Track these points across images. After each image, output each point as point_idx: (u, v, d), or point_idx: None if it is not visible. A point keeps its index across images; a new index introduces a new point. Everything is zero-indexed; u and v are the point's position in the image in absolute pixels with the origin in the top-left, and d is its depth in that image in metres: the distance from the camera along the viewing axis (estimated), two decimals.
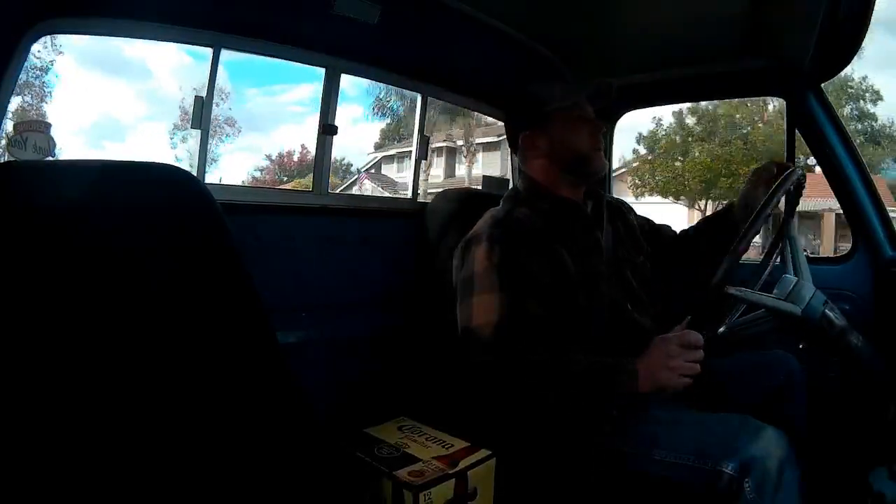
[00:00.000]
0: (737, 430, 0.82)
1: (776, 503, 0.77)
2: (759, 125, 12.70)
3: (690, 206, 12.96)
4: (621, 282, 1.04)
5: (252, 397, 0.70)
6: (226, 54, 1.13)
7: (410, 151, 1.59)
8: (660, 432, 0.87)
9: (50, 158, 0.93)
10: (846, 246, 1.41)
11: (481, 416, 0.96)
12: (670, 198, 12.94)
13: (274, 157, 17.50)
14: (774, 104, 11.53)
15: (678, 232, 1.30)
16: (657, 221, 1.30)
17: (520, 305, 0.92)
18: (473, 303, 0.94)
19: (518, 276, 0.93)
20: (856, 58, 1.20)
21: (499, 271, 0.93)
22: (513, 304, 0.91)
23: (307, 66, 1.30)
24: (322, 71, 1.28)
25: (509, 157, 1.70)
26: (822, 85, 1.32)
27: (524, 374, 0.88)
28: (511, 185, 1.46)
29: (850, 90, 13.57)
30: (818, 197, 8.43)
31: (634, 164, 13.43)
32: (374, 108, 13.79)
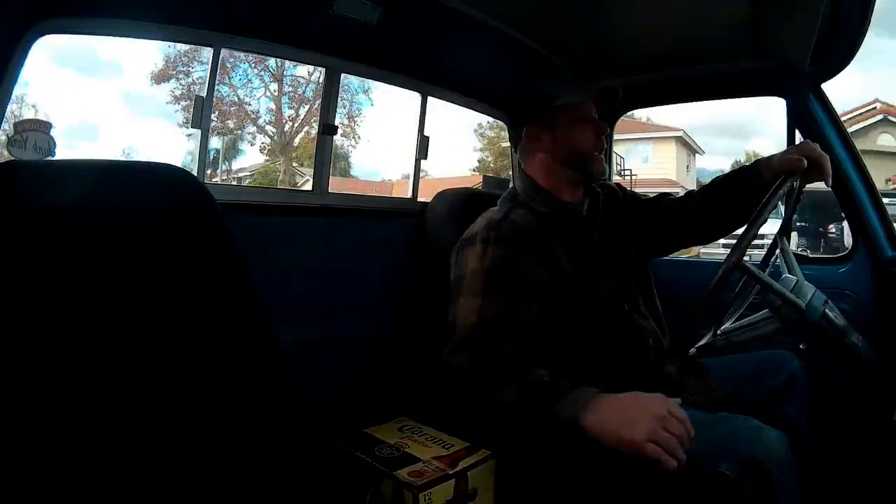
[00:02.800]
0: (737, 430, 0.82)
1: None
2: None
3: None
4: (619, 283, 1.04)
5: (252, 397, 0.70)
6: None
7: None
8: None
9: (50, 158, 0.93)
10: None
11: (481, 416, 0.96)
12: None
13: None
14: None
15: (681, 196, 1.19)
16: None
17: (507, 309, 0.91)
18: (459, 302, 0.94)
19: (508, 280, 0.93)
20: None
21: (488, 274, 0.93)
22: (497, 308, 0.91)
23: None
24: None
25: None
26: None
27: (488, 370, 0.86)
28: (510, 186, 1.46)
29: None
30: None
31: None
32: None
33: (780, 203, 0.94)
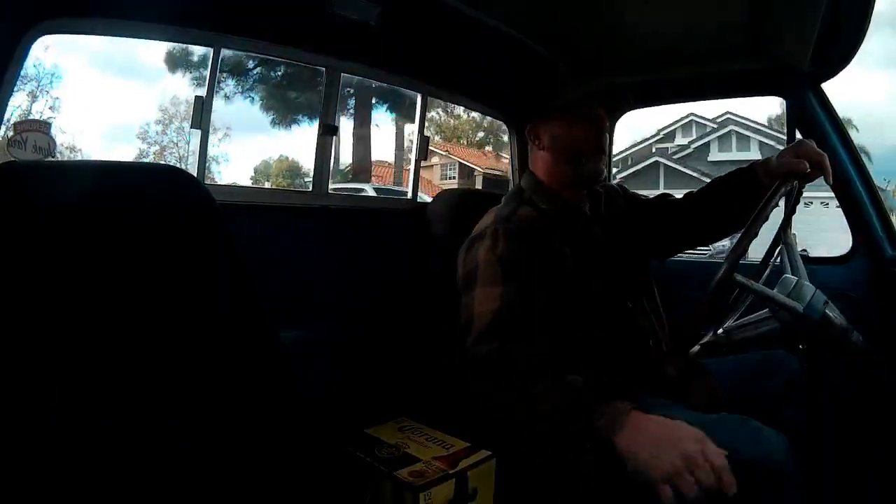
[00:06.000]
0: (737, 431, 0.81)
1: None
2: None
3: None
4: (621, 282, 1.04)
5: (252, 397, 0.70)
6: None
7: None
8: None
9: (50, 158, 0.93)
10: None
11: (482, 416, 0.96)
12: None
13: None
14: None
15: (680, 196, 1.21)
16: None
17: (522, 298, 0.92)
18: (476, 295, 0.94)
19: (521, 270, 0.94)
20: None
21: (502, 264, 0.94)
22: (514, 296, 0.91)
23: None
24: None
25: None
26: None
27: (517, 374, 0.85)
28: (512, 185, 1.46)
29: None
30: None
31: None
32: None
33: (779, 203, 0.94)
